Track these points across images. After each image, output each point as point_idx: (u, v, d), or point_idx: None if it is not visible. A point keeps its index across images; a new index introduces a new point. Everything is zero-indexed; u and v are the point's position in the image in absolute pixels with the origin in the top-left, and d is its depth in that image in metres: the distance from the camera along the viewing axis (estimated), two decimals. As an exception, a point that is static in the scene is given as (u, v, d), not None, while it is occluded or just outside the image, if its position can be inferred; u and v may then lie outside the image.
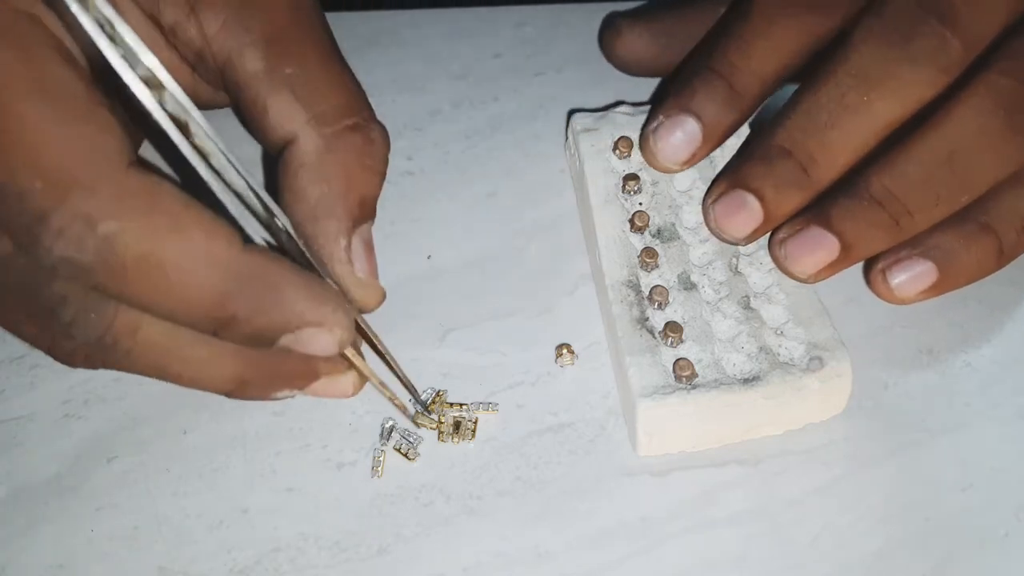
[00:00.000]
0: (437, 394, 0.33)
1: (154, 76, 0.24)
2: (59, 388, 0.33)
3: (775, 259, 0.32)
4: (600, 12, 0.43)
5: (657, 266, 0.33)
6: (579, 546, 0.30)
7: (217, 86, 0.32)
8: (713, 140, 0.33)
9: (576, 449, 0.32)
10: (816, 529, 0.30)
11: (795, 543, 0.30)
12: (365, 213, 0.30)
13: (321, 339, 0.27)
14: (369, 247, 0.31)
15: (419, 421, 0.32)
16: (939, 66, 0.30)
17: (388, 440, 0.32)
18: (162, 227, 0.25)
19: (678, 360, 0.31)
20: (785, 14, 0.32)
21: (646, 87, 0.41)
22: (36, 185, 0.24)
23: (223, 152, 0.26)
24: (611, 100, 0.39)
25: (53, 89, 0.25)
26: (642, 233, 0.34)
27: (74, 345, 0.28)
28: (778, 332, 0.32)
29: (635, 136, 0.35)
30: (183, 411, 0.33)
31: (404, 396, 0.32)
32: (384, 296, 0.31)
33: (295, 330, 0.27)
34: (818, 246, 0.31)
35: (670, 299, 0.32)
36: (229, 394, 0.30)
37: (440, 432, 0.32)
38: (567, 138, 0.37)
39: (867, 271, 0.32)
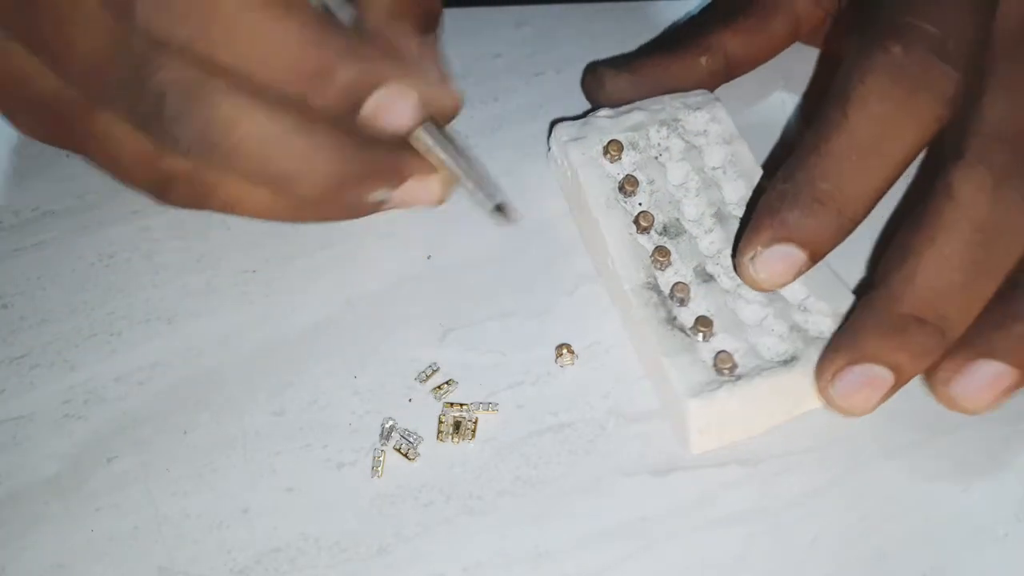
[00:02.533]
0: (446, 382, 0.33)
1: None
2: (59, 388, 0.33)
3: (940, 398, 0.29)
4: (600, 12, 0.43)
5: (671, 263, 0.33)
6: (579, 546, 0.30)
7: None
8: (819, 258, 0.31)
9: (576, 449, 0.32)
10: (816, 529, 0.30)
11: (795, 543, 0.30)
12: (431, 23, 0.32)
13: (403, 99, 0.28)
14: (440, 54, 0.31)
15: (499, 216, 0.32)
16: None
17: (388, 440, 0.32)
18: None
19: (719, 353, 0.31)
20: (898, 117, 0.30)
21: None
22: None
23: None
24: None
25: None
26: (648, 233, 0.34)
27: (175, 164, 0.29)
28: (802, 308, 0.32)
29: (623, 138, 0.35)
30: (183, 411, 0.33)
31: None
32: (461, 101, 0.32)
33: (378, 86, 0.28)
34: (993, 380, 0.29)
35: (691, 294, 0.32)
36: (326, 199, 0.30)
37: (440, 432, 0.32)
38: (550, 148, 0.37)
39: (927, 378, 0.30)
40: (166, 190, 0.31)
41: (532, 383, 0.33)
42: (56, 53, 0.28)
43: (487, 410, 0.33)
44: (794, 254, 0.30)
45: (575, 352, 0.34)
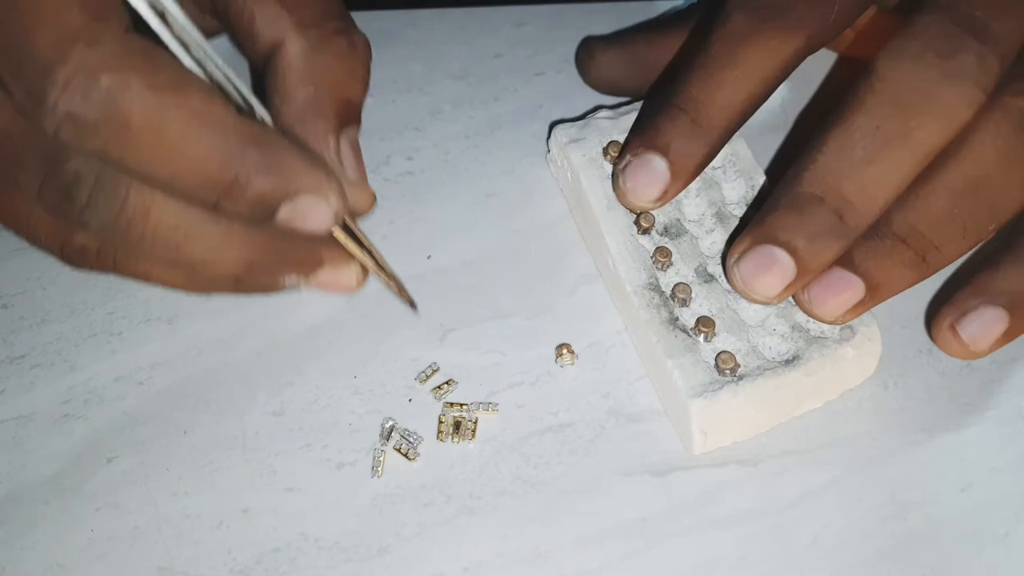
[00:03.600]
0: (445, 382, 0.33)
1: None
2: (59, 388, 0.33)
3: (798, 303, 0.30)
4: (600, 12, 0.43)
5: (672, 264, 0.33)
6: (579, 546, 0.30)
7: (204, 6, 0.32)
8: (683, 177, 0.32)
9: (576, 449, 0.32)
10: (816, 529, 0.30)
11: (795, 543, 0.30)
12: (351, 115, 0.31)
13: (318, 209, 0.28)
14: (357, 149, 0.31)
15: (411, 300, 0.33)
16: (980, 84, 0.29)
17: (388, 440, 0.32)
18: (163, 85, 0.25)
19: (720, 354, 0.31)
20: (747, 41, 0.31)
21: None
22: (43, 37, 0.24)
23: (201, 45, 0.27)
24: (611, 100, 0.39)
25: None
26: (649, 234, 0.34)
27: (87, 239, 0.29)
28: None
29: (622, 139, 0.35)
30: (183, 411, 0.33)
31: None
32: (375, 199, 0.32)
33: (293, 196, 0.27)
34: (843, 288, 0.29)
35: (693, 294, 0.32)
36: (238, 282, 0.30)
37: (440, 432, 0.32)
38: (549, 149, 0.37)
39: (932, 329, 0.31)
40: (80, 262, 0.30)
41: (532, 383, 0.33)
42: None
43: (487, 410, 0.33)
44: (658, 166, 0.31)
45: (575, 352, 0.34)
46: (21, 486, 0.31)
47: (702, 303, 0.32)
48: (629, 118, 0.36)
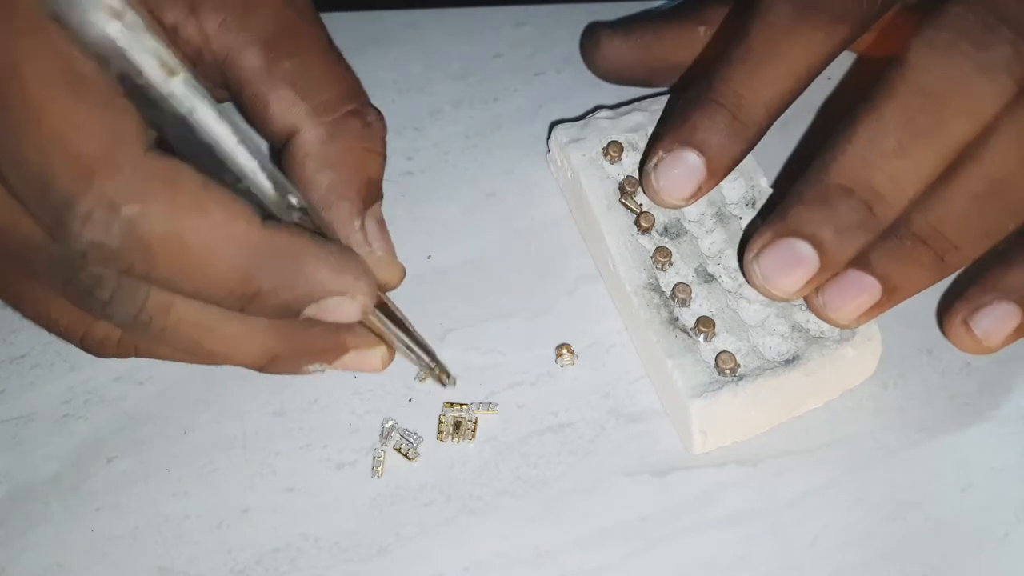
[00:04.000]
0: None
1: (164, 61, 0.25)
2: (59, 388, 0.33)
3: (812, 307, 0.30)
4: (600, 12, 0.43)
5: (672, 264, 0.33)
6: (579, 546, 0.30)
7: (217, 83, 0.32)
8: (719, 174, 0.31)
9: (576, 449, 0.32)
10: (816, 529, 0.30)
11: (795, 543, 0.30)
12: (373, 194, 0.31)
13: (344, 307, 0.27)
14: (382, 226, 0.31)
15: (447, 384, 0.32)
16: (1014, 76, 0.28)
17: (388, 440, 0.32)
18: (183, 207, 0.25)
19: (720, 354, 0.31)
20: (791, 34, 0.30)
21: (640, 88, 0.41)
22: (62, 170, 0.24)
23: (234, 133, 0.26)
24: (611, 100, 0.39)
25: (75, 77, 0.25)
26: (650, 234, 0.34)
27: (108, 330, 0.29)
28: (803, 308, 0.32)
29: (623, 139, 0.35)
30: (183, 411, 0.33)
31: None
32: (404, 272, 0.31)
33: (318, 300, 0.27)
34: (859, 291, 0.29)
35: (693, 294, 0.32)
36: (262, 369, 0.30)
37: (440, 432, 0.32)
38: (549, 149, 0.37)
39: (944, 324, 0.30)
40: (100, 351, 0.30)
41: (532, 383, 0.33)
42: None
43: (487, 410, 0.33)
44: (693, 162, 0.30)
45: (575, 352, 0.34)
46: (21, 486, 0.31)
47: (702, 303, 0.32)
48: (629, 118, 0.36)
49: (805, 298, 0.30)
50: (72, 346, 0.34)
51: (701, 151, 0.30)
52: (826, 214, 0.28)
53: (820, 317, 0.30)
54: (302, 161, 0.30)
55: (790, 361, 0.31)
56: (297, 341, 0.29)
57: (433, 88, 0.41)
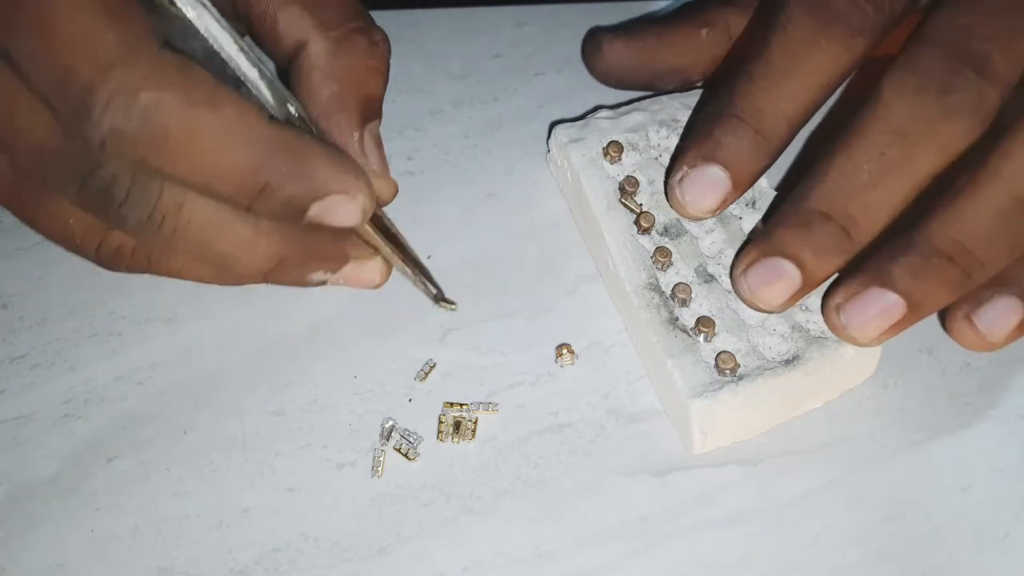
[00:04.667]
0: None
1: None
2: (59, 388, 0.33)
3: (832, 327, 0.30)
4: (600, 12, 0.43)
5: (672, 264, 0.33)
6: (579, 546, 0.30)
7: (226, 10, 0.33)
8: (743, 186, 0.32)
9: (576, 449, 0.32)
10: (816, 529, 0.30)
11: (795, 543, 0.30)
12: (372, 111, 0.33)
13: (346, 206, 0.29)
14: (379, 143, 0.33)
15: (442, 305, 0.33)
16: (978, 118, 0.29)
17: (388, 440, 0.32)
18: (197, 99, 0.27)
19: (720, 354, 0.31)
20: (811, 48, 0.31)
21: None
22: (85, 61, 0.26)
23: (235, 41, 0.28)
24: (610, 100, 0.39)
25: None
26: (650, 234, 0.34)
27: (122, 239, 0.30)
28: (803, 307, 0.32)
29: (623, 139, 0.35)
30: (183, 411, 0.33)
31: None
32: (397, 189, 0.33)
33: (322, 197, 0.28)
34: (882, 309, 0.29)
35: (693, 294, 0.32)
36: (268, 276, 0.31)
37: (440, 432, 0.32)
38: (549, 149, 0.37)
39: (946, 320, 0.31)
40: (115, 262, 0.31)
41: (532, 383, 0.33)
42: (8, 143, 0.29)
43: (487, 410, 0.33)
44: (718, 176, 0.31)
45: (575, 352, 0.34)
46: (21, 486, 0.31)
47: (702, 303, 0.32)
48: (629, 118, 0.36)
49: (825, 318, 0.31)
50: (72, 346, 0.34)
51: (725, 166, 0.31)
52: (806, 237, 0.30)
53: (842, 337, 0.30)
54: (307, 73, 0.32)
55: (790, 361, 0.31)
56: (302, 245, 0.31)
57: (433, 88, 0.41)
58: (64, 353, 0.34)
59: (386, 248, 0.32)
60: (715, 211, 0.32)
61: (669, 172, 0.32)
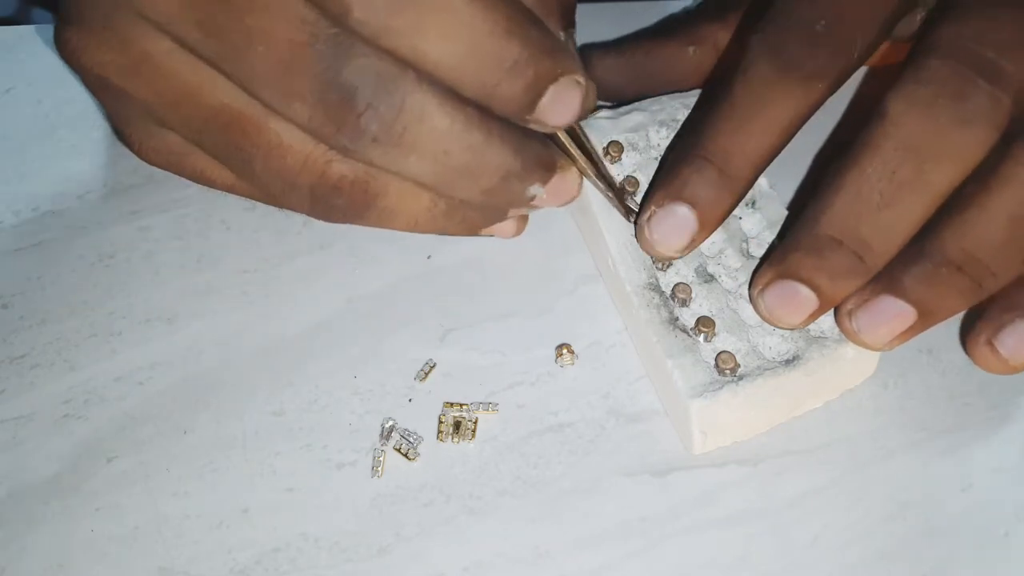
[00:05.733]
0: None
1: None
2: (59, 388, 0.33)
3: (844, 331, 0.30)
4: (600, 12, 0.43)
5: (672, 264, 0.33)
6: (579, 546, 0.30)
7: None
8: (711, 225, 0.32)
9: (576, 449, 0.32)
10: (816, 529, 0.30)
11: (795, 543, 0.30)
12: (570, 17, 0.32)
13: (575, 93, 0.29)
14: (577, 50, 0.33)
15: (632, 213, 0.33)
16: (993, 125, 0.29)
17: (388, 440, 0.32)
18: None
19: (720, 354, 0.31)
20: (774, 91, 0.31)
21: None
22: None
23: None
24: (611, 100, 0.39)
25: None
26: None
27: (345, 166, 0.30)
28: None
29: (623, 139, 0.35)
30: (183, 411, 0.33)
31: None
32: (597, 92, 0.32)
33: (559, 78, 0.28)
34: (893, 317, 0.29)
35: (693, 294, 0.32)
36: (490, 194, 0.31)
37: (440, 432, 0.32)
38: None
39: (968, 343, 0.31)
40: (328, 201, 0.31)
41: (532, 383, 0.33)
42: (242, 54, 0.28)
43: (487, 410, 0.33)
44: (684, 214, 0.31)
45: (575, 352, 0.34)
46: (21, 486, 0.31)
47: (702, 303, 0.32)
48: (629, 118, 0.36)
49: (838, 322, 0.31)
50: (72, 346, 0.34)
51: (692, 205, 0.31)
52: (819, 263, 0.30)
53: (854, 342, 0.30)
54: None
55: (790, 361, 0.31)
56: (523, 153, 0.30)
57: (433, 88, 0.41)
58: (64, 353, 0.34)
59: (581, 158, 0.32)
60: (684, 250, 0.32)
61: (639, 213, 0.33)
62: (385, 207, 0.32)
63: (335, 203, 0.31)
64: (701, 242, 0.32)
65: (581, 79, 0.29)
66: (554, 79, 0.28)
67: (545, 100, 0.28)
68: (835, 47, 0.31)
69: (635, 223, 0.33)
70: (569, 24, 0.32)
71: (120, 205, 0.37)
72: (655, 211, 0.32)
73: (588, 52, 0.39)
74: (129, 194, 0.37)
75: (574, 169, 0.32)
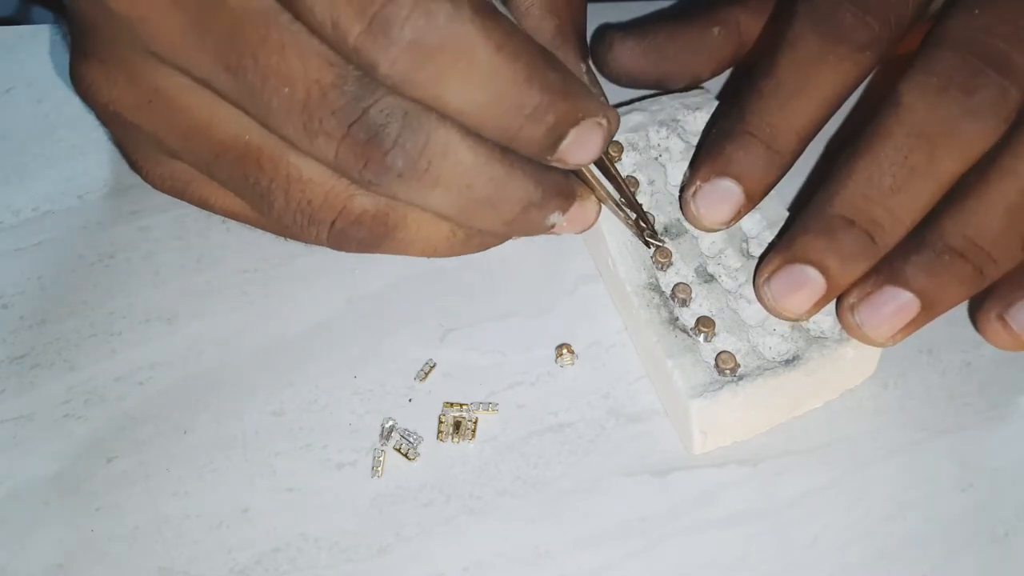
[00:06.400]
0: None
1: None
2: (59, 388, 0.33)
3: (847, 326, 0.30)
4: (600, 12, 0.43)
5: (672, 264, 0.33)
6: (579, 546, 0.30)
7: None
8: (756, 199, 0.32)
9: (576, 449, 0.32)
10: (816, 529, 0.30)
11: (795, 543, 0.30)
12: (586, 47, 0.32)
13: (596, 133, 0.28)
14: (595, 77, 0.32)
15: (650, 243, 0.33)
16: (1001, 116, 0.30)
17: (388, 440, 0.32)
18: (483, 10, 0.26)
19: (720, 354, 0.31)
20: (819, 65, 0.31)
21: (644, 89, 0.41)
22: None
23: None
24: (611, 100, 0.39)
25: None
26: None
27: (365, 204, 0.30)
28: None
29: (623, 139, 0.35)
30: (183, 411, 0.33)
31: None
32: (620, 120, 0.32)
33: (581, 121, 0.28)
34: (896, 308, 0.29)
35: (693, 294, 0.32)
36: (511, 226, 0.31)
37: (440, 432, 0.32)
38: None
39: (978, 318, 0.31)
40: (351, 232, 0.31)
41: (532, 383, 0.33)
42: (265, 93, 0.28)
43: (487, 410, 0.33)
44: (731, 188, 0.31)
45: (575, 352, 0.34)
46: (21, 486, 0.31)
47: (702, 303, 0.32)
48: (629, 118, 0.36)
49: (840, 318, 0.31)
50: (72, 346, 0.34)
51: (738, 180, 0.31)
52: (830, 243, 0.30)
53: (856, 337, 0.30)
54: (527, 11, 0.31)
55: (790, 361, 0.31)
56: (545, 184, 0.30)
57: (433, 88, 0.41)
58: (64, 353, 0.34)
59: (600, 188, 0.32)
60: (729, 223, 0.32)
61: (683, 188, 0.33)
62: (404, 238, 0.31)
63: (355, 236, 0.31)
64: (745, 214, 0.32)
65: (603, 120, 0.28)
66: (575, 123, 0.28)
67: (567, 143, 0.28)
68: (885, 14, 0.31)
69: (680, 197, 0.33)
70: (586, 55, 0.32)
71: (120, 205, 0.37)
72: (701, 185, 0.32)
73: (609, 35, 0.38)
74: (129, 194, 0.37)
75: (593, 198, 0.32)
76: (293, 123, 0.28)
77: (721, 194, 0.32)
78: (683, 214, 0.33)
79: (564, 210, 0.31)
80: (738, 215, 0.32)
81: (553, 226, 0.32)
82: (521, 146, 0.28)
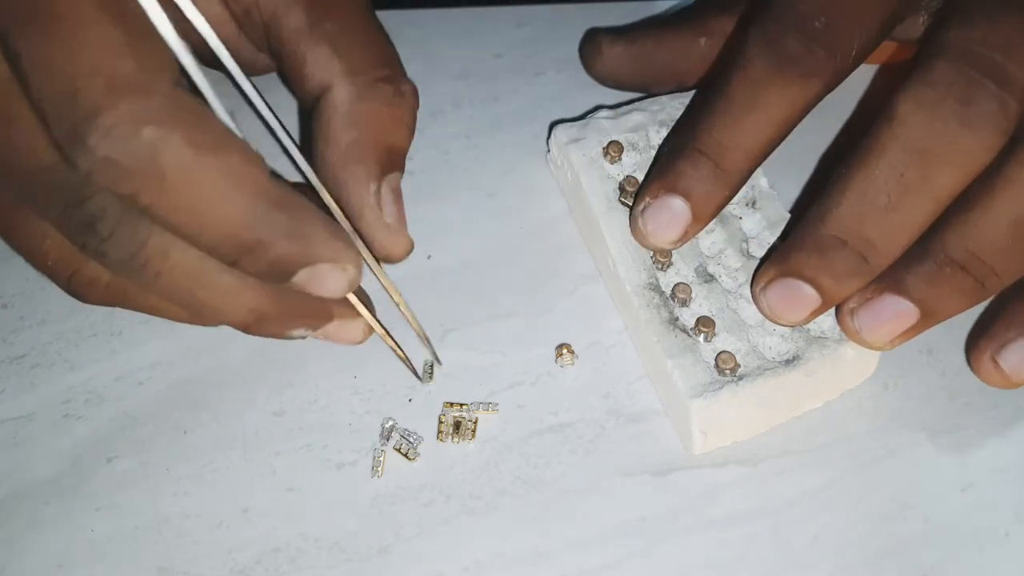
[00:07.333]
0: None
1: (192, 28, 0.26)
2: (59, 388, 0.33)
3: (845, 330, 0.31)
4: (600, 12, 0.43)
5: (672, 264, 0.33)
6: (579, 546, 0.30)
7: (260, 46, 0.33)
8: (704, 219, 0.32)
9: (576, 449, 0.32)
10: (816, 529, 0.30)
11: (795, 543, 0.30)
12: (394, 162, 0.31)
13: (334, 276, 0.28)
14: (398, 196, 0.32)
15: (423, 379, 0.33)
16: (1000, 129, 0.29)
17: (388, 440, 0.32)
18: (203, 143, 0.25)
19: (720, 354, 0.31)
20: (771, 86, 0.31)
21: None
22: (93, 83, 0.25)
23: (248, 88, 0.28)
24: (611, 100, 0.39)
25: (121, 8, 0.25)
26: None
27: (98, 272, 0.29)
28: None
29: (623, 139, 0.35)
30: (183, 411, 0.33)
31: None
32: (412, 246, 0.32)
33: (311, 264, 0.27)
34: (895, 316, 0.29)
35: (693, 294, 0.32)
36: (247, 328, 0.30)
37: (440, 432, 0.32)
38: (549, 149, 0.37)
39: (971, 358, 0.31)
40: (86, 292, 0.30)
41: (532, 383, 0.33)
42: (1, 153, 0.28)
43: (487, 410, 0.33)
44: (678, 206, 0.31)
45: (575, 352, 0.34)
46: (21, 486, 0.31)
47: (702, 303, 0.32)
48: (629, 118, 0.36)
49: (839, 321, 0.31)
50: (72, 346, 0.34)
51: (686, 197, 0.31)
52: (822, 262, 0.30)
53: (855, 341, 0.31)
54: (329, 118, 0.31)
55: (790, 361, 0.31)
56: (286, 302, 0.30)
57: (433, 88, 0.41)
58: (64, 353, 0.34)
59: (370, 317, 0.31)
60: (676, 243, 0.32)
61: (633, 204, 0.33)
62: (146, 308, 0.31)
63: (92, 295, 0.30)
64: (694, 235, 0.32)
65: (347, 266, 0.27)
66: (304, 264, 0.27)
67: (300, 278, 0.27)
68: (833, 45, 0.31)
69: (630, 215, 0.33)
70: (389, 169, 0.31)
71: (120, 205, 0.37)
72: (649, 202, 0.32)
73: (598, 38, 0.39)
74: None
75: (358, 321, 0.31)
76: (15, 192, 0.28)
77: (669, 212, 0.31)
78: (631, 232, 0.33)
79: (313, 327, 0.31)
80: (685, 236, 0.32)
81: (304, 337, 0.31)
82: (247, 272, 0.28)
